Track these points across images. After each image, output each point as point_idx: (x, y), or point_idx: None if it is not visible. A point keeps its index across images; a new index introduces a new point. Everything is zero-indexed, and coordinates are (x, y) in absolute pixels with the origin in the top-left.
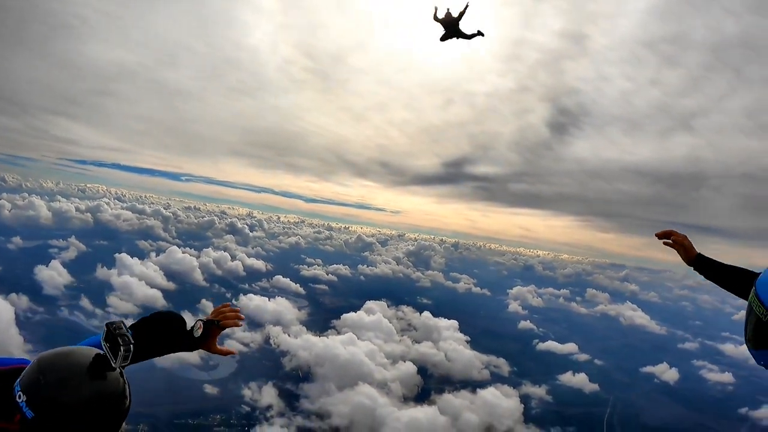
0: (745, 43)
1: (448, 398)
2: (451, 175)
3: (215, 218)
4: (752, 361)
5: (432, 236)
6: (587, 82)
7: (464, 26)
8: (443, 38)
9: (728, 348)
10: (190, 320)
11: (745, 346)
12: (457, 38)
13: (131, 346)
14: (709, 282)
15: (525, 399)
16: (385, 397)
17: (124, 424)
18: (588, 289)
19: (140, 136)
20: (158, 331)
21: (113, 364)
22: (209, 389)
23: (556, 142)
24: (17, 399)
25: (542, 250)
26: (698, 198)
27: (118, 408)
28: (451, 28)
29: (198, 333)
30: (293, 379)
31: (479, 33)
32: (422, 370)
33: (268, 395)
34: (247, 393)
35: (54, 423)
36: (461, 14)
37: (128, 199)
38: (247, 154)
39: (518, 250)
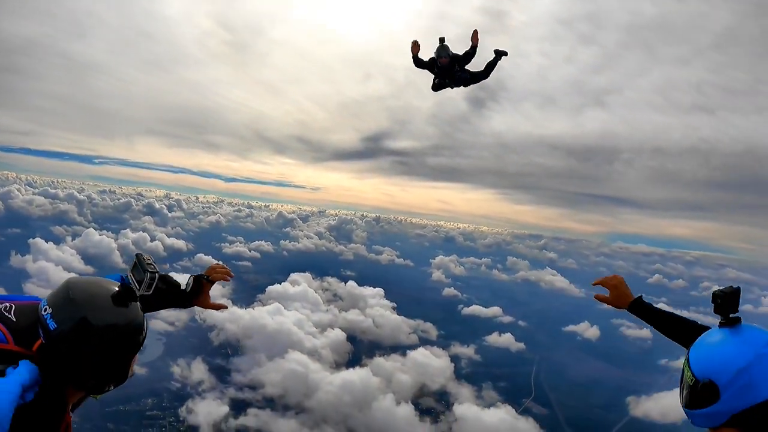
0: (660, 25)
1: (380, 361)
2: (370, 150)
3: (132, 200)
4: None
5: (352, 212)
6: (505, 57)
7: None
8: (437, 87)
9: None
10: None
11: (660, 305)
12: (458, 85)
13: (156, 275)
14: (624, 250)
15: (455, 359)
16: (316, 363)
17: (136, 359)
18: (508, 258)
19: (49, 117)
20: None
21: (137, 292)
22: (138, 370)
23: (473, 116)
24: (42, 311)
25: (462, 223)
26: (611, 171)
27: (135, 336)
28: (447, 71)
29: (188, 287)
30: (223, 354)
31: (498, 56)
32: (351, 337)
33: (198, 371)
34: (176, 371)
35: (75, 337)
36: (469, 54)
37: (39, 184)
38: (163, 133)
39: (438, 223)
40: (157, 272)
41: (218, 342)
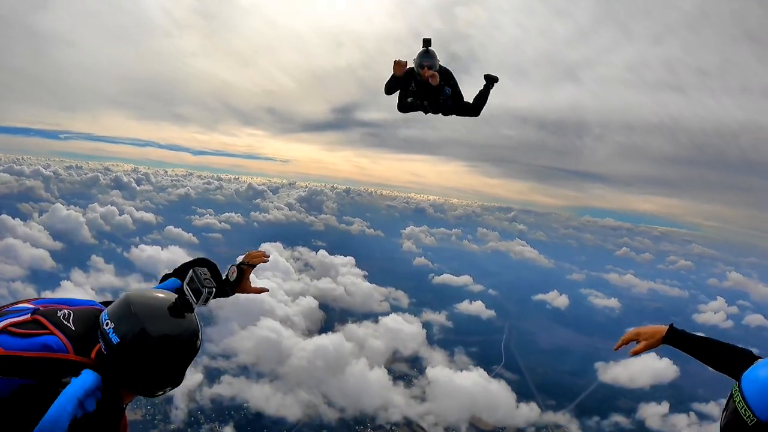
0: (633, 1)
1: (352, 328)
2: (340, 122)
3: (99, 175)
4: (637, 288)
5: (323, 183)
6: (479, 28)
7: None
8: (408, 107)
9: (613, 277)
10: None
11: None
12: (437, 111)
13: (214, 290)
14: (593, 224)
15: (426, 325)
16: (289, 330)
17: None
18: (478, 229)
19: (11, 91)
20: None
21: (195, 305)
22: None
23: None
24: (104, 326)
25: (432, 195)
26: (581, 145)
27: (192, 345)
28: (431, 92)
29: (233, 277)
30: None
31: (489, 84)
32: (323, 305)
33: None
34: None
35: (137, 350)
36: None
37: (4, 161)
38: (129, 105)
39: (409, 195)
40: (215, 287)
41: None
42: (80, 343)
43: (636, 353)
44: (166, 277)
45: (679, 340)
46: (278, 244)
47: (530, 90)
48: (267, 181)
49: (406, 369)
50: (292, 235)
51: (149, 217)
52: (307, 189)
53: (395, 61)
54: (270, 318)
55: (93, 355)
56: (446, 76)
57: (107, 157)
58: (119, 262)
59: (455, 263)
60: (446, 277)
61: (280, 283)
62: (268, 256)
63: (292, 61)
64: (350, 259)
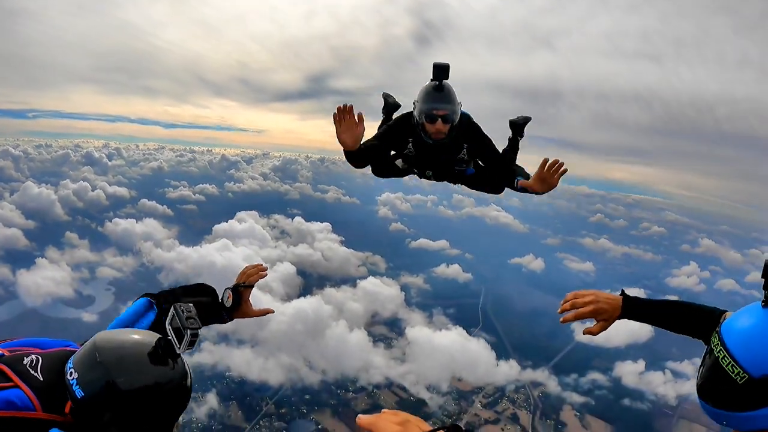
0: None
1: (331, 292)
2: (314, 90)
3: (69, 152)
4: (612, 253)
5: (297, 153)
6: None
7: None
8: (389, 172)
9: (587, 242)
10: (56, 255)
11: (601, 242)
12: (443, 179)
13: (198, 332)
14: (567, 191)
15: (405, 288)
16: (267, 296)
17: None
18: (454, 195)
19: None
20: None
21: (177, 351)
22: (88, 318)
23: (420, 55)
24: (68, 376)
25: None
26: (556, 114)
27: (176, 399)
28: (436, 152)
29: (229, 303)
30: None
31: (518, 130)
32: (301, 271)
33: None
34: None
35: (105, 407)
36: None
37: None
38: (98, 80)
39: None
40: (199, 328)
41: (167, 283)
42: (49, 396)
43: (591, 333)
44: (146, 294)
45: (636, 312)
46: (254, 213)
47: (506, 58)
48: (240, 152)
49: (385, 331)
50: (267, 204)
51: (122, 191)
52: (281, 159)
53: (337, 112)
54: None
55: (67, 409)
56: (470, 131)
57: (77, 134)
58: (94, 237)
59: (431, 229)
60: (423, 242)
61: (257, 250)
62: (266, 269)
63: (265, 31)
64: (326, 225)
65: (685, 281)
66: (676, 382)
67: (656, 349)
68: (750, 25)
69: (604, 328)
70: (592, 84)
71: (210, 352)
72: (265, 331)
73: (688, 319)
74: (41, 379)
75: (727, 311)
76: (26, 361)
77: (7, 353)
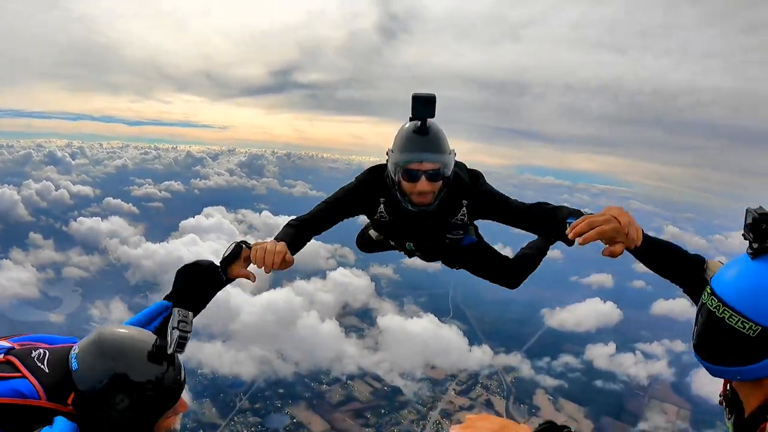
0: None
1: (301, 284)
2: (279, 84)
3: (32, 152)
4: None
5: (263, 149)
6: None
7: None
8: (372, 246)
9: None
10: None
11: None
12: (436, 259)
13: (188, 335)
14: (533, 182)
15: (375, 279)
16: (237, 288)
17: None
18: None
19: None
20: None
21: (168, 350)
22: (55, 318)
23: (386, 47)
24: (72, 351)
25: (374, 156)
26: (522, 105)
27: (165, 393)
28: (405, 226)
29: (227, 252)
30: (141, 291)
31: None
32: None
33: (118, 310)
34: (95, 313)
35: (103, 397)
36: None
37: None
38: (59, 76)
39: (350, 157)
40: (188, 332)
41: (135, 280)
42: (54, 387)
43: (612, 254)
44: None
45: (647, 246)
46: (221, 208)
47: (474, 50)
48: (206, 149)
49: (357, 321)
50: (234, 199)
51: (86, 190)
52: (247, 154)
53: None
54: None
55: (70, 401)
56: (468, 187)
57: (39, 134)
58: (59, 237)
59: None
60: None
61: (225, 245)
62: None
63: (229, 23)
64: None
65: None
66: (646, 363)
67: (626, 332)
68: (715, 16)
69: (622, 250)
70: (559, 75)
71: None
72: (236, 324)
73: (677, 265)
74: (47, 371)
75: (705, 260)
76: (34, 354)
77: (17, 347)
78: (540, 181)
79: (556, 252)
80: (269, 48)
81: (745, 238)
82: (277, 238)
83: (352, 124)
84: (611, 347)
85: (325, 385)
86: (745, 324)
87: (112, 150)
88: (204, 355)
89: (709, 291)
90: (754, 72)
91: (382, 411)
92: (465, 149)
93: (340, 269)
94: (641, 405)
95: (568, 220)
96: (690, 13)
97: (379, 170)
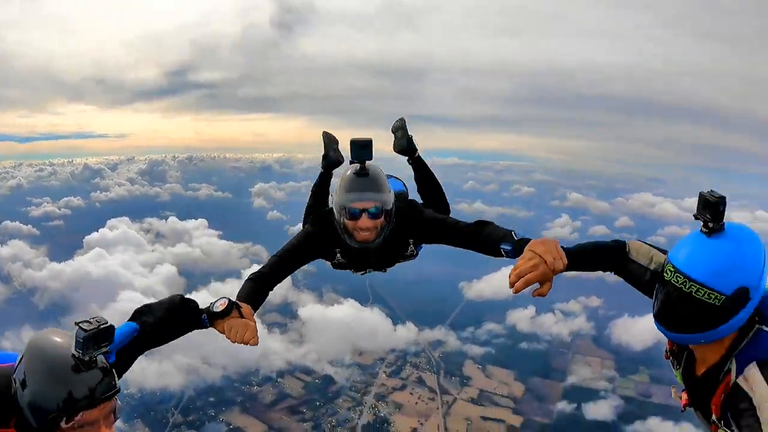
0: None
1: (216, 286)
2: (176, 86)
3: None
4: (487, 214)
5: (163, 155)
6: None
7: None
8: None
9: (462, 207)
10: None
11: (476, 205)
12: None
13: (89, 335)
14: (437, 164)
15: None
16: (152, 299)
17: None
18: None
19: None
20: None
21: (74, 351)
22: None
23: (282, 41)
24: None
25: (277, 153)
26: (422, 90)
27: (58, 401)
28: (360, 259)
29: (219, 309)
30: (52, 315)
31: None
32: (183, 270)
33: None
34: (6, 345)
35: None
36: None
37: None
38: None
39: (253, 155)
40: (86, 331)
41: (44, 304)
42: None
43: (541, 295)
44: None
45: (573, 261)
46: (125, 219)
47: (373, 38)
48: (104, 160)
49: (278, 317)
50: (138, 209)
51: None
52: (147, 161)
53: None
54: (130, 290)
55: (12, 424)
56: (413, 219)
57: None
58: None
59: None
60: (301, 227)
61: (134, 255)
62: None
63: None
64: (202, 222)
65: (561, 232)
66: (566, 320)
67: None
68: None
69: (550, 288)
70: (457, 60)
71: None
72: None
73: (601, 259)
74: None
75: (626, 243)
76: None
77: None
78: (445, 162)
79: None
80: (163, 48)
81: (698, 219)
82: (239, 297)
83: (253, 122)
84: (531, 310)
85: (255, 386)
86: (711, 295)
87: (4, 170)
88: (127, 372)
89: (672, 269)
90: (648, 47)
91: (317, 403)
92: (367, 136)
93: (254, 267)
94: (567, 361)
95: (501, 246)
96: None
97: (326, 217)
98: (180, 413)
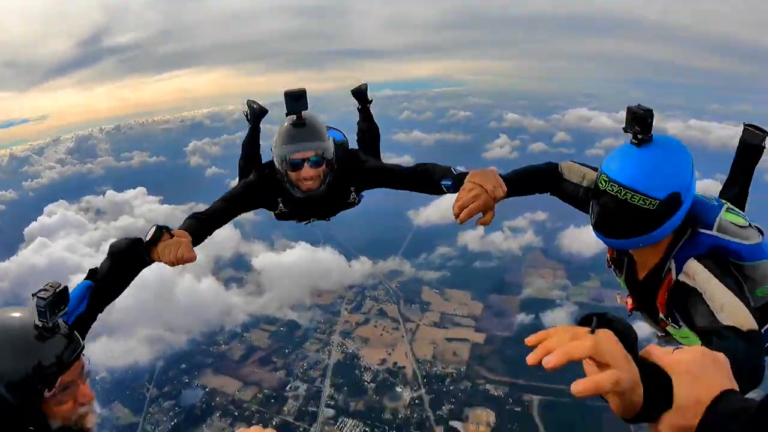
0: None
1: None
2: (91, 55)
3: None
4: (425, 142)
5: (89, 129)
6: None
7: None
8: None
9: (401, 137)
10: None
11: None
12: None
13: (46, 301)
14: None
15: (237, 225)
16: None
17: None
18: (263, 126)
19: None
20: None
21: (35, 321)
22: None
23: None
24: None
25: (206, 108)
26: (345, 25)
27: (30, 374)
28: (304, 208)
29: (147, 237)
30: None
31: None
32: None
33: None
34: None
35: None
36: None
37: None
38: None
39: (182, 114)
40: (46, 299)
41: None
42: None
43: (484, 224)
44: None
45: (512, 188)
46: (62, 202)
47: None
48: (29, 146)
49: (233, 272)
50: (73, 189)
51: None
52: (74, 139)
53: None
54: (80, 274)
55: None
56: (354, 166)
57: None
58: None
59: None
60: None
61: (77, 237)
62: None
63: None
64: (141, 190)
65: (500, 152)
66: (515, 236)
67: None
68: None
69: (493, 216)
70: None
71: None
72: (114, 314)
73: (537, 182)
74: None
75: (556, 163)
76: None
77: None
78: (378, 95)
79: (405, 158)
80: (71, 17)
81: (627, 132)
82: (180, 228)
83: (178, 79)
84: (480, 230)
85: (223, 345)
86: (646, 200)
87: None
88: (95, 357)
89: (606, 179)
90: None
91: (286, 351)
92: (290, 80)
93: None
94: (520, 275)
95: (442, 183)
96: None
97: (269, 168)
98: (155, 387)
